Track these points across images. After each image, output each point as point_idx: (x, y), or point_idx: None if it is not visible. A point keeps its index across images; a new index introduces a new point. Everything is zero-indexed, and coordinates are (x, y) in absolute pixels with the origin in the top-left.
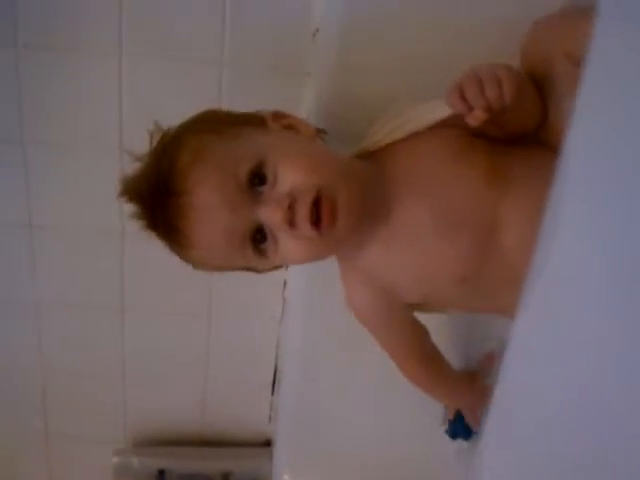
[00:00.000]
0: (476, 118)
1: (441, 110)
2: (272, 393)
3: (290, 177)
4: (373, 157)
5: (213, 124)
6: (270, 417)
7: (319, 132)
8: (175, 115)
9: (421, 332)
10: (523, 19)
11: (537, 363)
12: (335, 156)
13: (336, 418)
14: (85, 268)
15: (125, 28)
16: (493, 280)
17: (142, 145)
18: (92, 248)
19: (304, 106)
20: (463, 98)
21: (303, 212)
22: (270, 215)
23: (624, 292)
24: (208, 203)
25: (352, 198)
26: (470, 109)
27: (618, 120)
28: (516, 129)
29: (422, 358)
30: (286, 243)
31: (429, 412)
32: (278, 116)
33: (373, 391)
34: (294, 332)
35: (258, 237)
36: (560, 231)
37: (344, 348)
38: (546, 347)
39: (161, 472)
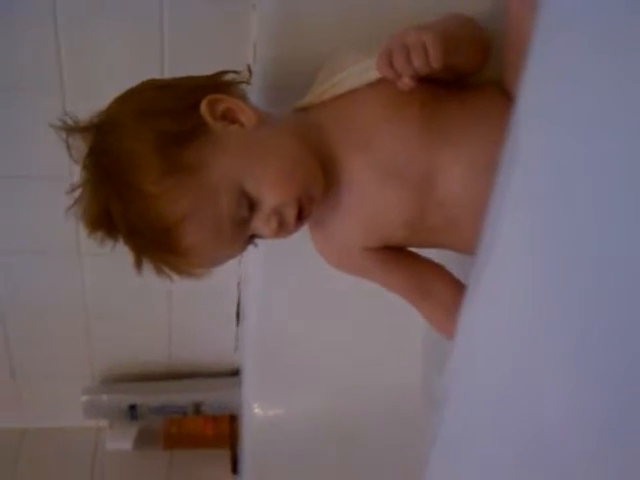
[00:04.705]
0: (405, 85)
1: (375, 71)
2: (237, 324)
3: (271, 199)
4: (315, 111)
5: (161, 148)
6: (236, 347)
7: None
8: (115, 52)
9: (409, 261)
10: None
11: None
12: (285, 140)
13: (301, 344)
14: (36, 216)
15: None
16: (435, 223)
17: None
18: (43, 195)
19: (251, 38)
20: (391, 65)
21: (290, 224)
22: (262, 231)
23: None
24: (203, 247)
25: (320, 186)
26: (399, 76)
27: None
28: (461, 71)
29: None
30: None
31: (397, 333)
32: (213, 104)
33: (338, 313)
34: (255, 262)
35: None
36: (508, 205)
37: (306, 272)
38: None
39: (132, 407)
